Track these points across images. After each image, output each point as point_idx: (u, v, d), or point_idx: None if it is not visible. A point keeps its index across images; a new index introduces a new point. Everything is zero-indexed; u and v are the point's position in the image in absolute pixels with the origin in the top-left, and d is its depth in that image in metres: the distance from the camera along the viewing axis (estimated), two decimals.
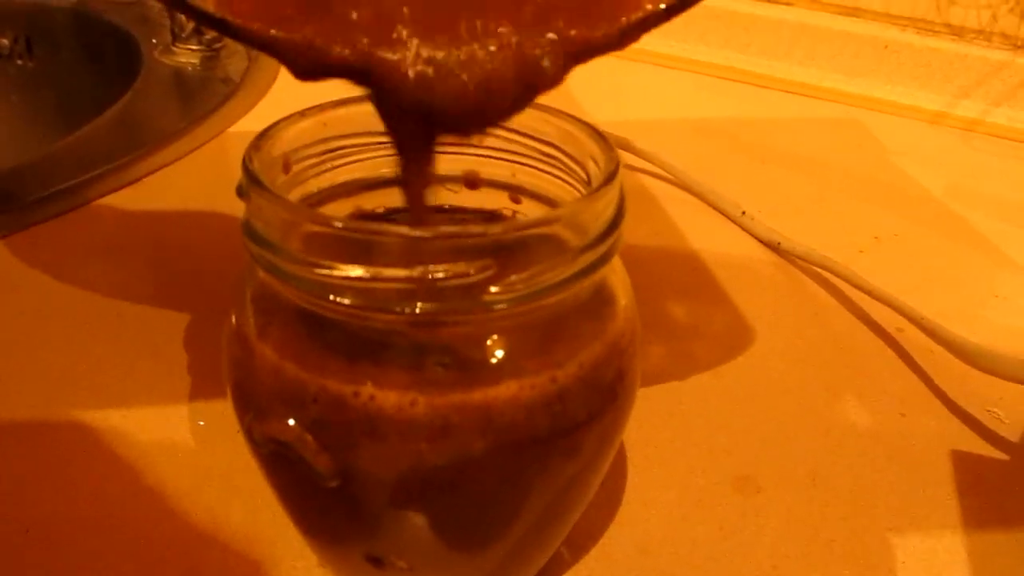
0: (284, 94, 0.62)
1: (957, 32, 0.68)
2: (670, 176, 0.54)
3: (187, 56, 0.69)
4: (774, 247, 0.47)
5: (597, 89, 0.67)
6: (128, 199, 0.50)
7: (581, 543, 0.29)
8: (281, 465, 0.22)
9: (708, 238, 0.49)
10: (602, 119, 0.60)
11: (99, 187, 0.51)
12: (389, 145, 0.26)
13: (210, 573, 0.28)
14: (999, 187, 0.57)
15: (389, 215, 0.27)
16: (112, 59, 0.76)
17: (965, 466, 0.33)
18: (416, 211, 0.23)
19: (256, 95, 0.64)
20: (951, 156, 0.62)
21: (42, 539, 0.29)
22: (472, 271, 0.19)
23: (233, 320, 0.23)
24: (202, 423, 0.33)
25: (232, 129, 0.57)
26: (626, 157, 0.56)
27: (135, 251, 0.45)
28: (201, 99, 0.64)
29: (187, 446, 0.32)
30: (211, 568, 0.28)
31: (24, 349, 0.37)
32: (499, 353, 0.21)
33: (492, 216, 0.27)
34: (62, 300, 0.40)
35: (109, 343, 0.37)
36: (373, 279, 0.19)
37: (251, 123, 0.58)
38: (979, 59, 0.66)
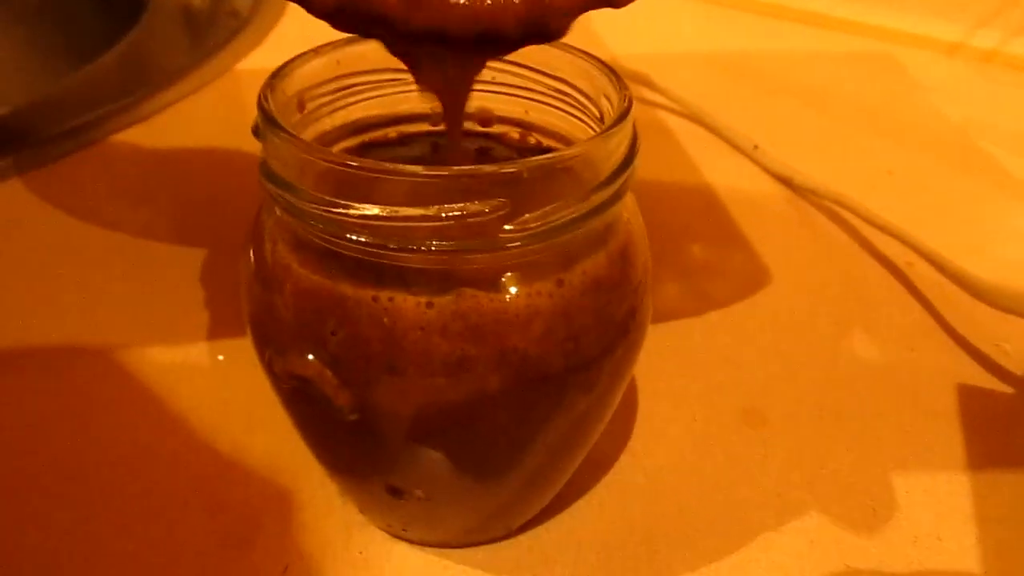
0: (292, 28, 0.61)
1: None
2: (683, 110, 0.54)
3: None
4: (787, 182, 0.47)
5: (611, 20, 0.66)
6: (140, 136, 0.50)
7: (592, 472, 0.30)
8: (301, 400, 0.23)
9: (721, 173, 0.48)
10: (616, 51, 0.60)
11: (111, 125, 0.51)
12: (403, 81, 0.27)
13: (234, 503, 0.29)
14: (1016, 120, 0.56)
15: (404, 140, 0.27)
16: None
17: (971, 400, 0.34)
18: (453, 138, 0.23)
19: (264, 29, 0.64)
20: (968, 88, 0.61)
21: (66, 473, 0.30)
22: (486, 209, 0.19)
23: (251, 256, 0.23)
24: (221, 357, 0.34)
25: (241, 65, 0.57)
26: (639, 91, 0.55)
27: (150, 188, 0.45)
28: (209, 34, 0.64)
29: (208, 380, 0.33)
30: (235, 498, 0.29)
31: (42, 286, 0.38)
32: (512, 287, 0.21)
33: (514, 147, 0.28)
34: (79, 237, 0.41)
35: (127, 280, 0.38)
36: (388, 218, 0.19)
37: (260, 58, 0.57)
38: None
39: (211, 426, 0.31)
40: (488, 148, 0.28)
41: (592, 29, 0.63)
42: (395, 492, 0.24)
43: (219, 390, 0.33)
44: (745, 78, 0.60)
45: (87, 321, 0.36)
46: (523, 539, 0.28)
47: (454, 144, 0.25)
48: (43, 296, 0.37)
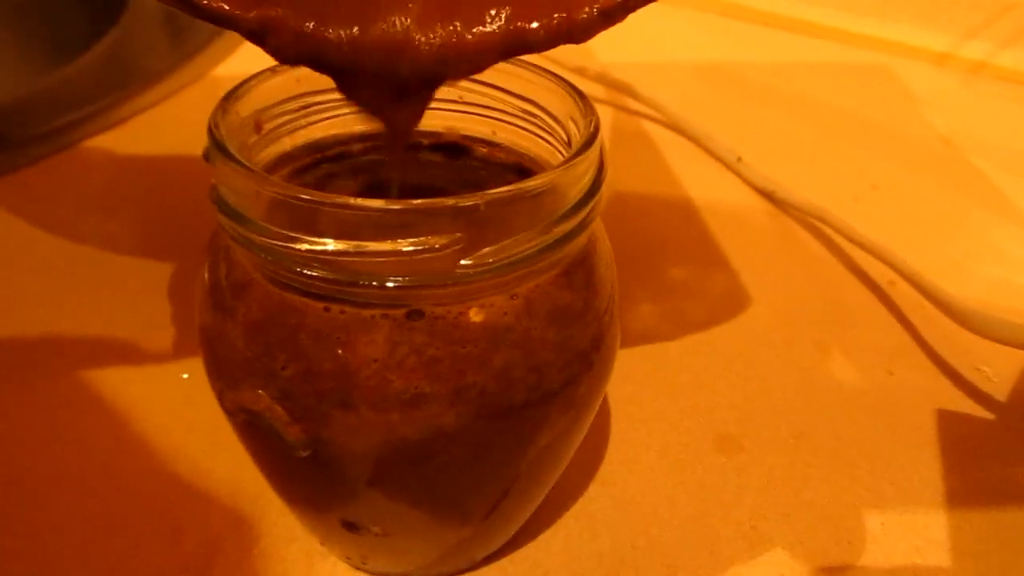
0: None
1: None
2: (665, 119, 0.53)
3: None
4: (769, 195, 0.47)
5: None
6: (115, 141, 0.49)
7: (561, 501, 0.29)
8: (254, 433, 0.22)
9: (702, 185, 0.48)
10: (599, 59, 0.59)
11: (85, 128, 0.50)
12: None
13: (194, 529, 0.28)
14: (1003, 133, 0.56)
15: (367, 161, 0.27)
16: None
17: (950, 426, 0.33)
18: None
19: None
20: (955, 99, 0.60)
21: (23, 492, 0.29)
22: (443, 243, 0.19)
23: (206, 279, 0.23)
24: (186, 376, 0.33)
25: (220, 70, 0.56)
26: (622, 99, 0.55)
27: (121, 197, 0.44)
28: (189, 36, 0.63)
29: (171, 399, 0.32)
30: (195, 524, 0.28)
31: (2, 298, 0.37)
32: (470, 321, 0.20)
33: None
34: (45, 248, 0.40)
35: (92, 292, 0.37)
36: (340, 252, 0.19)
37: (240, 62, 0.57)
38: None
39: (173, 447, 0.31)
40: (458, 151, 0.27)
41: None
42: (351, 527, 0.24)
43: (182, 410, 0.32)
44: (730, 87, 0.60)
45: (46, 336, 0.35)
46: (488, 571, 0.27)
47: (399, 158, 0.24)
48: (0, 309, 0.36)
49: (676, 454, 0.31)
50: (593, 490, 0.30)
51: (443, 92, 0.26)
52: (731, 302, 0.39)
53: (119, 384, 0.33)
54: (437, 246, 0.19)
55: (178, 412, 0.32)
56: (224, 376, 0.22)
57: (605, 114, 0.53)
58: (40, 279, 0.38)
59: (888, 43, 0.67)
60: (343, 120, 0.26)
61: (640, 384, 0.34)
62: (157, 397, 0.32)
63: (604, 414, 0.32)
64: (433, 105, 0.26)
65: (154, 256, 0.40)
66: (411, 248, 0.19)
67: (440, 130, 0.27)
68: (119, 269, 0.39)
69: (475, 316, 0.20)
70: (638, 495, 0.30)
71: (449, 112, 0.26)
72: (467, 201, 0.18)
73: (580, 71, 0.57)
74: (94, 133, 0.50)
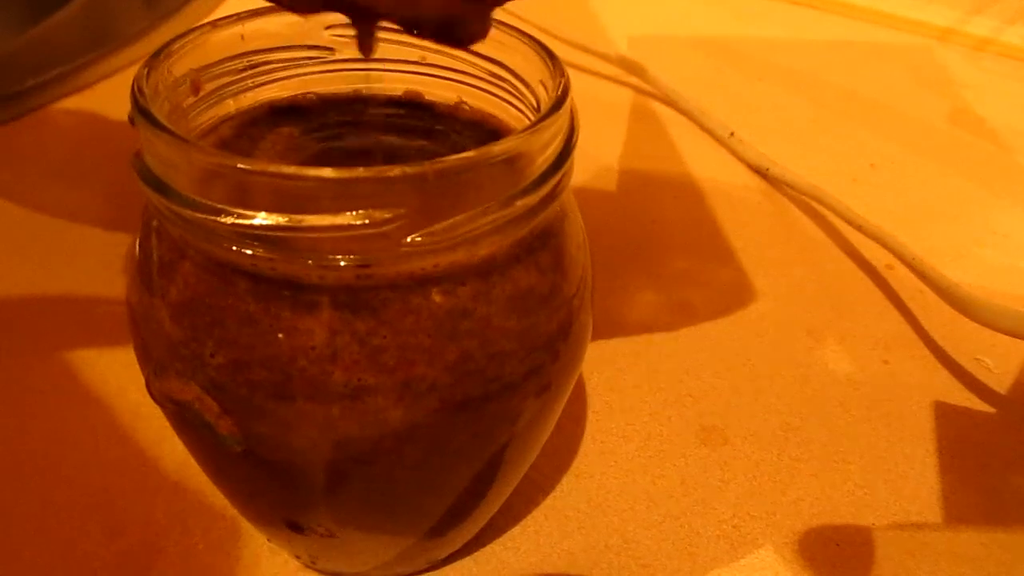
0: None
1: None
2: (657, 92, 0.51)
3: None
4: (762, 172, 0.45)
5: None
6: (85, 104, 0.47)
7: (530, 495, 0.27)
8: (186, 425, 0.20)
9: (693, 161, 0.46)
10: (587, 28, 0.57)
11: (56, 90, 0.49)
12: (319, 60, 0.24)
13: (134, 525, 0.26)
14: (1008, 112, 0.53)
15: (318, 124, 0.24)
16: None
17: (948, 420, 0.31)
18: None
19: None
20: (958, 77, 0.58)
21: None
22: (383, 219, 0.16)
23: (136, 253, 0.21)
24: None
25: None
26: (611, 71, 0.52)
27: (88, 163, 0.42)
28: None
29: (121, 380, 0.30)
30: (135, 519, 0.26)
31: None
32: (419, 305, 0.18)
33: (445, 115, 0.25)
34: (12, 214, 0.38)
35: (51, 262, 0.35)
36: (273, 227, 0.17)
37: None
38: None
39: (117, 434, 0.29)
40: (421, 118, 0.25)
41: (564, 6, 0.59)
42: (295, 527, 0.22)
43: (132, 392, 0.30)
44: (724, 61, 0.57)
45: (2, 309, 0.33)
46: (449, 571, 0.25)
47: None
48: None
49: (656, 446, 0.29)
50: (566, 484, 0.28)
51: (404, 53, 0.24)
52: (720, 285, 0.37)
53: (67, 362, 0.31)
54: (379, 221, 0.16)
55: (127, 395, 0.30)
56: (151, 361, 0.20)
57: (590, 85, 0.50)
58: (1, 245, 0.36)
59: (890, 17, 0.64)
60: (295, 82, 0.23)
61: (619, 370, 0.32)
62: (108, 378, 0.30)
63: (580, 402, 0.30)
64: (392, 67, 0.24)
65: (119, 227, 0.37)
66: (350, 223, 0.16)
67: (401, 94, 0.25)
68: (80, 238, 0.37)
69: (425, 301, 0.18)
70: (614, 490, 0.28)
71: (411, 75, 0.24)
72: (413, 169, 0.16)
73: (568, 41, 0.54)
74: (62, 96, 0.48)
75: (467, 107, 0.24)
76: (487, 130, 0.24)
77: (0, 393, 0.30)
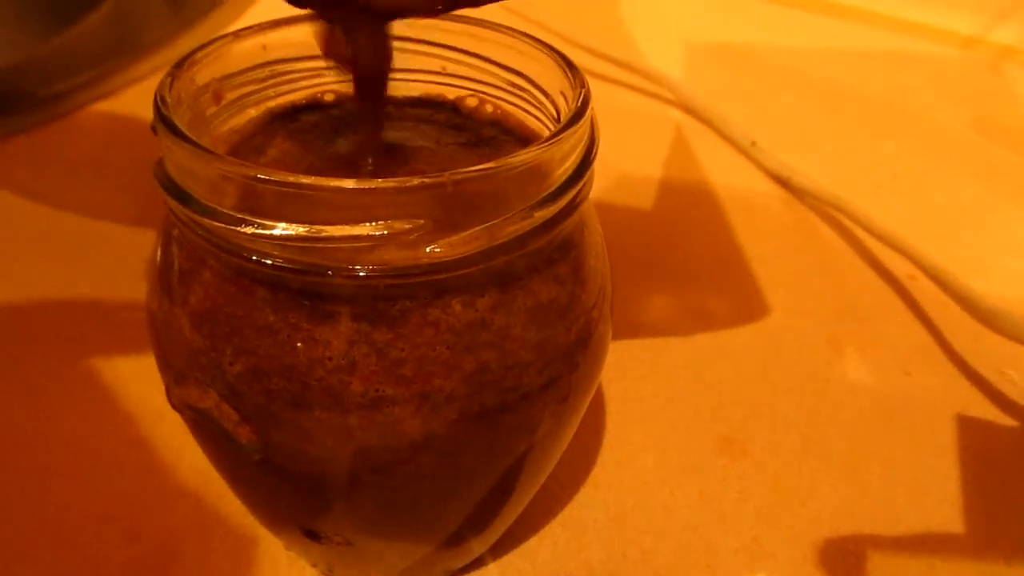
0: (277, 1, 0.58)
1: None
2: (679, 101, 0.50)
3: None
4: (784, 182, 0.44)
5: (604, 2, 0.63)
6: (111, 109, 0.47)
7: (547, 506, 0.27)
8: (205, 432, 0.20)
9: (714, 170, 0.45)
10: (609, 36, 0.56)
11: (82, 96, 0.49)
12: (339, 70, 0.24)
13: (151, 527, 0.26)
14: None
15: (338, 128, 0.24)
16: None
17: (971, 433, 0.31)
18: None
19: (248, 0, 0.61)
20: (982, 85, 0.57)
21: None
22: (403, 229, 0.16)
23: (157, 260, 0.21)
24: None
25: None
26: (632, 80, 0.52)
27: (117, 167, 0.43)
28: (191, 3, 0.61)
29: (142, 385, 0.30)
30: (154, 524, 0.26)
31: None
32: (438, 315, 0.18)
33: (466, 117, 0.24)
34: (39, 218, 0.38)
35: (84, 268, 0.35)
36: (292, 238, 0.17)
37: None
38: None
39: (138, 438, 0.29)
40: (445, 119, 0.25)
41: (583, 11, 0.59)
42: (313, 536, 0.22)
43: (153, 397, 0.30)
44: (746, 69, 0.57)
45: (36, 310, 0.33)
46: None
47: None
48: None
49: (675, 457, 0.29)
50: (584, 494, 0.28)
51: (423, 62, 0.24)
52: (740, 295, 0.37)
53: (89, 367, 0.31)
54: (399, 231, 0.17)
55: (148, 401, 0.30)
56: (171, 369, 0.20)
57: (612, 94, 0.50)
58: (26, 248, 0.36)
59: (913, 25, 0.64)
60: (316, 91, 0.24)
61: (639, 380, 0.32)
62: (129, 383, 0.31)
63: (598, 412, 0.30)
64: (412, 77, 0.24)
65: (148, 225, 0.38)
66: (369, 233, 0.16)
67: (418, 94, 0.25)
68: (106, 239, 0.37)
69: (444, 312, 0.18)
70: (632, 501, 0.28)
71: (430, 85, 0.24)
72: (433, 180, 0.16)
73: (588, 49, 0.54)
74: (89, 101, 0.49)
75: (489, 107, 0.24)
76: (506, 128, 0.24)
77: (22, 396, 0.30)
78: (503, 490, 0.22)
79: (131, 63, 0.52)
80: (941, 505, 0.28)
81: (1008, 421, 0.31)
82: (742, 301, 0.36)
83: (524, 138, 0.23)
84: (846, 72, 0.58)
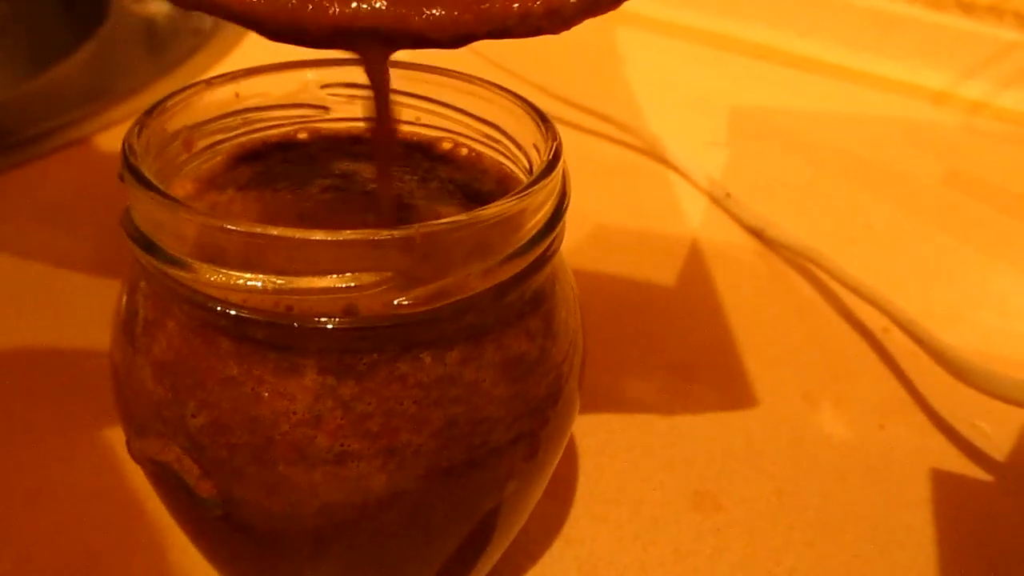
0: (255, 48, 0.58)
1: (966, 8, 0.64)
2: (652, 151, 0.51)
3: (158, 5, 0.66)
4: (758, 233, 0.45)
5: (580, 53, 0.64)
6: (86, 153, 0.47)
7: (518, 561, 0.27)
8: (166, 486, 0.20)
9: (688, 221, 0.46)
10: (585, 87, 0.57)
11: (56, 140, 0.49)
12: (313, 119, 0.24)
13: None
14: (1003, 175, 0.54)
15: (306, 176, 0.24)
16: (84, 3, 0.73)
17: (945, 487, 0.31)
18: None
19: (226, 47, 0.61)
20: (953, 140, 0.58)
21: None
22: (369, 282, 0.16)
23: (121, 309, 0.20)
24: None
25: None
26: (606, 129, 0.52)
27: (85, 213, 0.42)
28: (170, 49, 0.61)
29: (107, 439, 0.30)
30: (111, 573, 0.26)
31: None
32: (405, 370, 0.18)
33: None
34: (2, 264, 0.38)
35: (44, 317, 0.35)
36: (255, 289, 0.16)
37: None
38: (988, 37, 0.63)
39: (99, 487, 0.28)
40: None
41: (551, 60, 0.60)
42: None
43: (114, 450, 0.29)
44: (720, 121, 0.58)
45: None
46: None
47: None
48: None
49: (649, 511, 0.29)
50: (556, 549, 0.27)
51: (398, 112, 0.24)
52: (714, 347, 0.36)
53: (51, 417, 0.30)
54: (368, 284, 0.16)
55: (109, 451, 0.29)
56: (133, 420, 0.19)
57: (586, 144, 0.51)
58: None
59: (885, 80, 0.65)
60: (287, 140, 0.23)
61: (612, 433, 0.31)
62: (91, 432, 0.30)
63: (571, 465, 0.30)
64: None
65: (109, 276, 0.37)
66: (337, 285, 0.16)
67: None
68: (71, 290, 0.36)
69: (411, 367, 0.18)
70: (605, 557, 0.27)
71: (404, 135, 0.24)
72: (402, 233, 0.16)
73: (563, 99, 0.55)
74: (61, 147, 0.48)
75: (464, 150, 0.24)
76: (481, 169, 0.24)
77: None
78: (473, 547, 0.21)
79: (108, 107, 0.52)
80: (916, 560, 0.28)
81: (981, 474, 0.31)
82: (714, 353, 0.36)
83: (501, 178, 0.23)
84: (820, 125, 0.58)
